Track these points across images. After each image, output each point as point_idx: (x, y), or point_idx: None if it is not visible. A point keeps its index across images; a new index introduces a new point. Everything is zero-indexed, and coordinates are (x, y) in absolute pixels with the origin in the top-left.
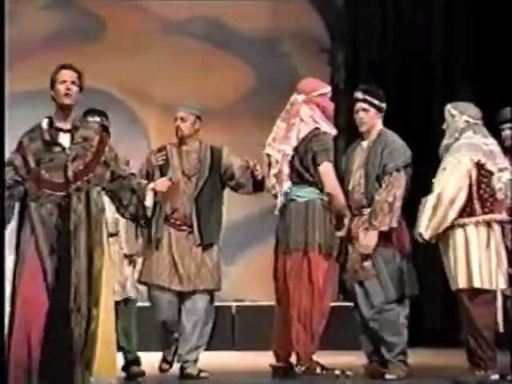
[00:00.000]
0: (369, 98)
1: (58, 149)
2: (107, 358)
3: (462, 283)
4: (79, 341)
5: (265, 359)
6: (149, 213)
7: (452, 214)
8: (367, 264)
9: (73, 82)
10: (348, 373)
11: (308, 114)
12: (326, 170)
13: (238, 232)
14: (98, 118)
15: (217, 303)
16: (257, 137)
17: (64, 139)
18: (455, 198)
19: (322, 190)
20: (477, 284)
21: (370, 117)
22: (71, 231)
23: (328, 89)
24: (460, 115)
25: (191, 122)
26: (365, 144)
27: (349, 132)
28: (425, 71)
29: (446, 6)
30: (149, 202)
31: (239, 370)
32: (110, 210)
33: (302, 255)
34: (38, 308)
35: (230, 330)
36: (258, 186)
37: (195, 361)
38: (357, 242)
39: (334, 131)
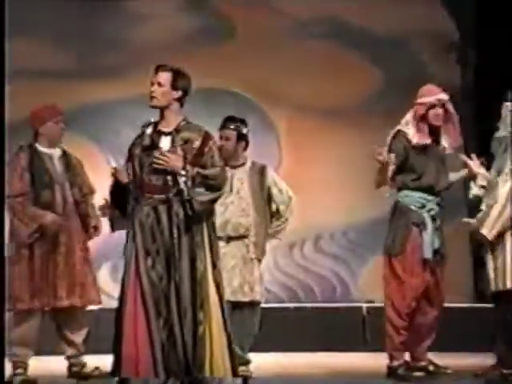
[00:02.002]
0: None
1: (157, 152)
2: (220, 362)
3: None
4: (189, 344)
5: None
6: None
7: None
8: None
9: (159, 84)
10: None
11: (405, 118)
12: None
13: (370, 233)
14: (232, 126)
15: (347, 304)
16: (385, 136)
17: (165, 142)
18: None
19: (400, 189)
20: None
21: None
22: (173, 235)
23: (429, 99)
24: None
25: None
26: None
27: (480, 131)
28: None
29: None
30: None
31: (369, 370)
32: (232, 214)
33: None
34: (136, 312)
35: (360, 330)
36: None
37: None
38: None
39: (417, 138)
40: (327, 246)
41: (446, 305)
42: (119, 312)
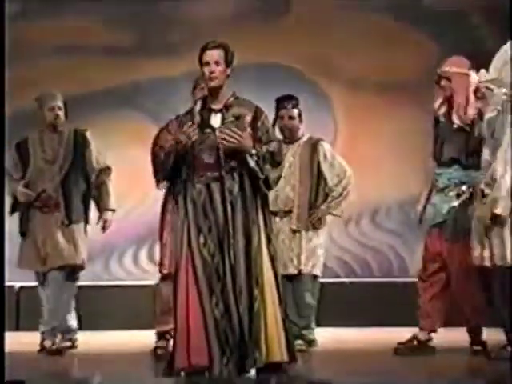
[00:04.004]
0: None
1: (208, 130)
2: (275, 337)
3: None
4: (245, 319)
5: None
6: None
7: None
8: None
9: (216, 63)
10: None
11: (439, 101)
12: None
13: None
14: (292, 104)
15: (404, 279)
16: None
17: (216, 120)
18: None
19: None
20: None
21: None
22: (227, 212)
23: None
24: (497, 88)
25: (64, 111)
26: None
27: None
28: None
29: None
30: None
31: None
32: (281, 188)
33: None
34: (188, 290)
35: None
36: None
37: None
38: None
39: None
40: (383, 220)
41: None
42: (174, 290)
